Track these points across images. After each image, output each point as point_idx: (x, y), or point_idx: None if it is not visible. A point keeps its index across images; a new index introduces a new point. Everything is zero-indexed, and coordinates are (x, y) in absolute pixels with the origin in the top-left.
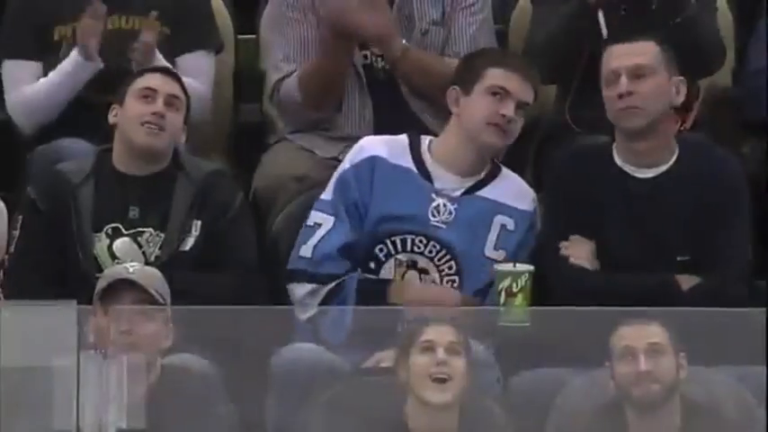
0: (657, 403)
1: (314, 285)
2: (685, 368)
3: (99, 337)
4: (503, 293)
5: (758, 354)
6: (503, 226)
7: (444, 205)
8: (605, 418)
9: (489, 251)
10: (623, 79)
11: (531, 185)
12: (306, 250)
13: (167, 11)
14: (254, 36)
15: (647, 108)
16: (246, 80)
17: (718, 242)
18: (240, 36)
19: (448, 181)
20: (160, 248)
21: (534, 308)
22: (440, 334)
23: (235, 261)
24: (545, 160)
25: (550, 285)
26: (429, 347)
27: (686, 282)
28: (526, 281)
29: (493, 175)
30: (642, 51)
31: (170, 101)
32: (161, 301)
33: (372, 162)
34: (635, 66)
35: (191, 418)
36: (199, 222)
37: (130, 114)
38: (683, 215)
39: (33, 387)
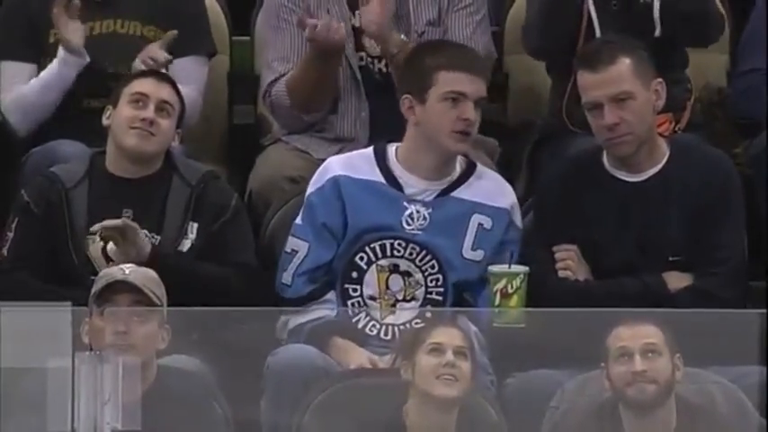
0: (653, 404)
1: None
2: (681, 369)
3: (95, 338)
4: (497, 295)
5: (752, 354)
6: (480, 225)
7: (418, 211)
8: (600, 418)
9: (467, 252)
10: (607, 109)
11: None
12: (287, 277)
13: (162, 16)
14: (248, 38)
15: (635, 132)
16: (241, 82)
17: (710, 243)
18: (235, 37)
19: (418, 186)
20: None
21: (529, 309)
22: (449, 336)
23: (233, 262)
24: (539, 162)
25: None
26: (437, 349)
27: (678, 280)
28: (521, 282)
29: (467, 174)
30: (619, 76)
31: (161, 106)
32: (157, 302)
33: (336, 182)
34: (616, 94)
35: (186, 419)
36: (195, 224)
37: (121, 118)
38: (676, 217)
39: (28, 388)
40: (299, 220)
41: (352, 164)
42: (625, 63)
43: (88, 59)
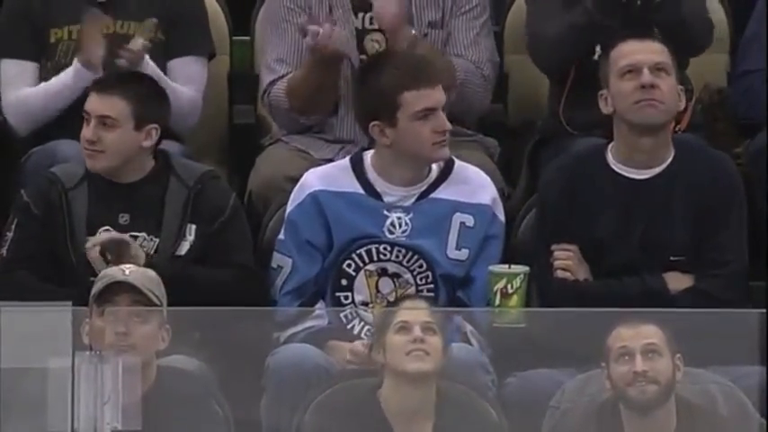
0: (653, 404)
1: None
2: (681, 369)
3: (95, 338)
4: (498, 295)
5: (752, 355)
6: (462, 224)
7: (398, 218)
8: (600, 418)
9: (452, 252)
10: (646, 71)
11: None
12: (274, 293)
13: (162, 16)
14: (248, 38)
15: (666, 104)
16: (241, 82)
17: (713, 244)
18: (235, 37)
19: (398, 194)
20: (155, 253)
21: (529, 309)
22: (415, 314)
23: (231, 263)
24: (539, 162)
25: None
26: (405, 327)
27: (679, 281)
28: (521, 282)
29: (446, 173)
30: (661, 50)
31: (102, 121)
32: (157, 302)
33: (315, 198)
34: (658, 62)
35: (186, 419)
36: (193, 226)
37: (81, 140)
38: (679, 216)
39: (28, 388)
40: (281, 236)
41: (330, 177)
42: (666, 47)
43: (101, 73)
